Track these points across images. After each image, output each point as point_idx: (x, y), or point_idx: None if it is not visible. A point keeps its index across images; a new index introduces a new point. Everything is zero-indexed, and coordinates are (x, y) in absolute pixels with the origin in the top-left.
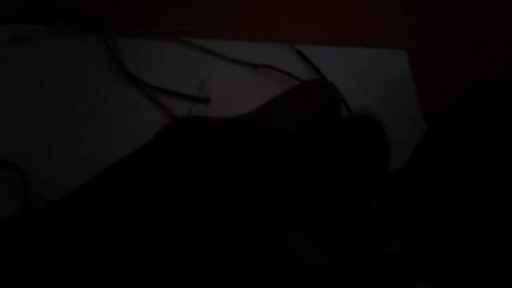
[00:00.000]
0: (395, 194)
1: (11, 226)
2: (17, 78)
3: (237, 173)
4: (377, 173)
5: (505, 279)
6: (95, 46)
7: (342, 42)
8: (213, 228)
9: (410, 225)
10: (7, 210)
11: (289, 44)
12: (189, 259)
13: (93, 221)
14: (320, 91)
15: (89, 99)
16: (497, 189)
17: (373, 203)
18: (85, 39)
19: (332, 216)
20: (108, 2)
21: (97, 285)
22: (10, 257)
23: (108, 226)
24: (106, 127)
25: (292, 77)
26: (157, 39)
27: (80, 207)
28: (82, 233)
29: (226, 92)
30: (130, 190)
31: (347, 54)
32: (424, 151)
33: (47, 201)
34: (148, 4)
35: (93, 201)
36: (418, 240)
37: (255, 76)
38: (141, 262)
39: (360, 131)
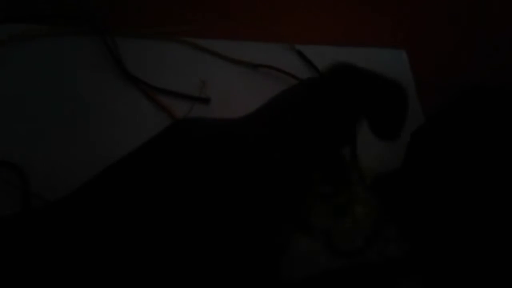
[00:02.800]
0: (394, 193)
1: (11, 226)
2: (17, 78)
3: (239, 172)
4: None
5: (505, 278)
6: (95, 46)
7: (342, 42)
8: (216, 228)
9: (410, 225)
10: (7, 210)
11: (289, 44)
12: (191, 258)
13: (95, 220)
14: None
15: (89, 99)
16: (488, 187)
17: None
18: (85, 39)
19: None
20: (108, 2)
21: (97, 285)
22: (10, 257)
23: (109, 225)
24: (106, 127)
25: (292, 77)
26: (157, 39)
27: (81, 206)
28: (83, 232)
29: (226, 92)
30: (132, 187)
31: (347, 54)
32: (413, 150)
33: (47, 201)
34: (148, 4)
35: (94, 200)
36: (418, 239)
37: (255, 76)
38: (141, 260)
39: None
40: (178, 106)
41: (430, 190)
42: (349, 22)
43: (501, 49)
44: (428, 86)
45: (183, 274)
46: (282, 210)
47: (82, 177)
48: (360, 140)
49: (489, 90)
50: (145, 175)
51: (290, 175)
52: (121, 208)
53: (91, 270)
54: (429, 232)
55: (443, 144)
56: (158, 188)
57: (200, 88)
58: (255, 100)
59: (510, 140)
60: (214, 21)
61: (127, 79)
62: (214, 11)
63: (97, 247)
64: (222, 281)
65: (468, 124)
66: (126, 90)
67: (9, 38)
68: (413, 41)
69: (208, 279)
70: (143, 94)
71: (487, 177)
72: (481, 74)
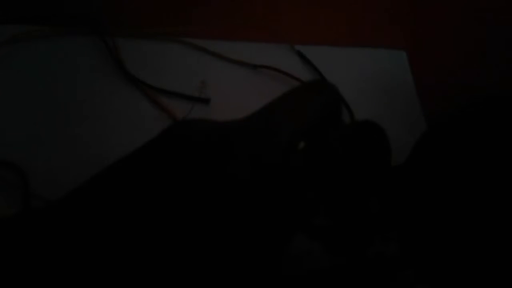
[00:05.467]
0: (393, 193)
1: (11, 226)
2: (17, 78)
3: (238, 177)
4: (377, 176)
5: (505, 279)
6: (95, 46)
7: (342, 42)
8: (214, 229)
9: (409, 225)
10: (7, 210)
11: (289, 44)
12: (189, 259)
13: (94, 221)
14: (319, 89)
15: (89, 99)
16: (494, 191)
17: (373, 205)
18: (85, 39)
19: (334, 217)
20: (108, 2)
21: (97, 285)
22: (10, 258)
23: (108, 226)
24: (105, 127)
25: (292, 77)
26: (157, 39)
27: (81, 206)
28: (82, 233)
29: (226, 93)
30: (130, 189)
31: (347, 54)
32: (422, 151)
33: (47, 201)
34: (148, 4)
35: (93, 200)
36: (418, 240)
37: (255, 76)
38: (141, 262)
39: (362, 135)
40: (178, 107)
41: (430, 191)
42: (349, 22)
43: (502, 50)
44: (428, 87)
45: (182, 273)
46: (282, 213)
47: (82, 177)
48: None
49: (503, 100)
50: (144, 177)
51: (291, 179)
52: (120, 208)
53: (90, 271)
54: (428, 232)
55: (451, 154)
56: (157, 189)
57: (200, 88)
58: (255, 101)
59: None
60: (214, 22)
61: (127, 80)
62: (214, 11)
63: (97, 248)
64: (221, 279)
65: (485, 131)
66: (127, 90)
67: (10, 39)
68: (413, 41)
69: (208, 278)
70: (143, 95)
71: (491, 187)
72: (482, 75)
